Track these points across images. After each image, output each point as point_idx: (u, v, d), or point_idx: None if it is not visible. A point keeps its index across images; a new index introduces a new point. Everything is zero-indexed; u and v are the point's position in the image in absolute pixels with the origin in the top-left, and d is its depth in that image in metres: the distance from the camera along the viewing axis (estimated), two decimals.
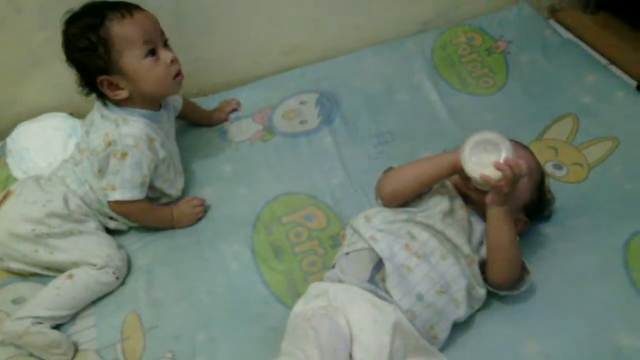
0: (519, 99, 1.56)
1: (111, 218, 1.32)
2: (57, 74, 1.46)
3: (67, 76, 1.27)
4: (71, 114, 1.58)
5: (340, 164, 1.45)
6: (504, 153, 1.02)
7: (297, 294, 1.12)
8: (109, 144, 1.23)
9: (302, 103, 1.64)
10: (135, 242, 1.33)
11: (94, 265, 1.21)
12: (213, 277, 1.25)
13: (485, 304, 1.11)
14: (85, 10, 1.21)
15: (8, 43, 1.52)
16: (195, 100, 1.62)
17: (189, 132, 1.58)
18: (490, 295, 1.12)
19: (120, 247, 1.29)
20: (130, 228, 1.36)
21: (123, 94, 1.24)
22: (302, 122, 1.58)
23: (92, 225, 1.28)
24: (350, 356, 0.95)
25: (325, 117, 1.58)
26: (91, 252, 1.23)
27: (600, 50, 1.69)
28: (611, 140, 1.39)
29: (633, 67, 1.60)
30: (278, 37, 1.73)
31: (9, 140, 1.52)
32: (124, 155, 1.23)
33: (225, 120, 1.61)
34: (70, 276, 1.20)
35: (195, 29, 1.61)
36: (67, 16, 1.22)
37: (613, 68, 1.63)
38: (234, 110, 1.63)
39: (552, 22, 1.82)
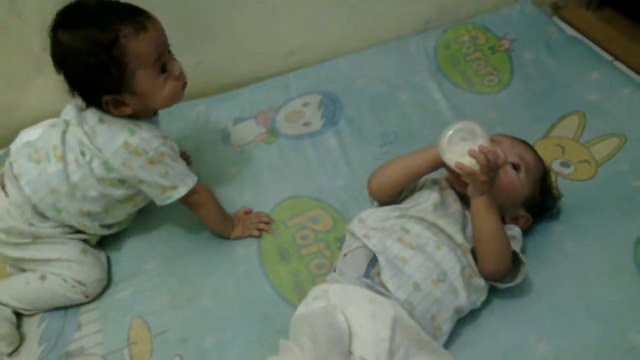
0: (524, 97, 1.55)
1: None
2: (59, 80, 1.45)
3: None
4: None
5: (345, 165, 1.44)
6: (479, 141, 1.02)
7: (304, 295, 1.11)
8: (139, 153, 1.14)
9: (305, 105, 1.63)
10: (140, 246, 1.32)
11: (65, 282, 1.20)
12: (220, 280, 1.24)
13: (494, 304, 1.11)
14: (88, 18, 1.06)
15: (9, 49, 1.51)
16: (197, 101, 1.61)
17: (191, 137, 1.56)
18: (498, 295, 1.11)
19: (99, 266, 1.24)
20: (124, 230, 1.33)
21: (127, 110, 1.13)
22: (306, 124, 1.57)
23: (68, 246, 1.22)
24: (351, 353, 0.94)
25: (329, 118, 1.57)
26: (66, 270, 1.20)
27: (605, 47, 1.68)
28: (618, 137, 1.38)
29: (638, 63, 1.59)
30: (280, 39, 1.72)
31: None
32: (161, 155, 1.16)
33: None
34: (43, 278, 1.20)
35: (198, 31, 1.60)
36: (58, 18, 1.06)
37: (618, 64, 1.62)
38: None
39: (555, 19, 1.81)
